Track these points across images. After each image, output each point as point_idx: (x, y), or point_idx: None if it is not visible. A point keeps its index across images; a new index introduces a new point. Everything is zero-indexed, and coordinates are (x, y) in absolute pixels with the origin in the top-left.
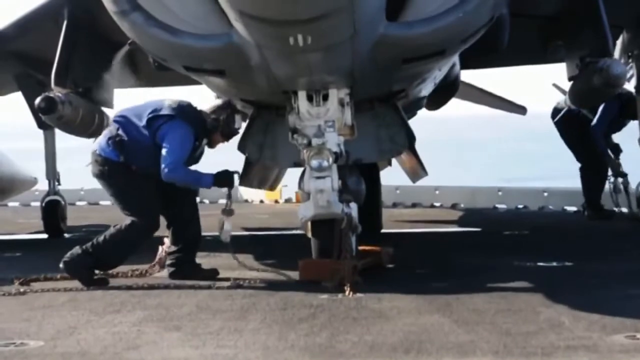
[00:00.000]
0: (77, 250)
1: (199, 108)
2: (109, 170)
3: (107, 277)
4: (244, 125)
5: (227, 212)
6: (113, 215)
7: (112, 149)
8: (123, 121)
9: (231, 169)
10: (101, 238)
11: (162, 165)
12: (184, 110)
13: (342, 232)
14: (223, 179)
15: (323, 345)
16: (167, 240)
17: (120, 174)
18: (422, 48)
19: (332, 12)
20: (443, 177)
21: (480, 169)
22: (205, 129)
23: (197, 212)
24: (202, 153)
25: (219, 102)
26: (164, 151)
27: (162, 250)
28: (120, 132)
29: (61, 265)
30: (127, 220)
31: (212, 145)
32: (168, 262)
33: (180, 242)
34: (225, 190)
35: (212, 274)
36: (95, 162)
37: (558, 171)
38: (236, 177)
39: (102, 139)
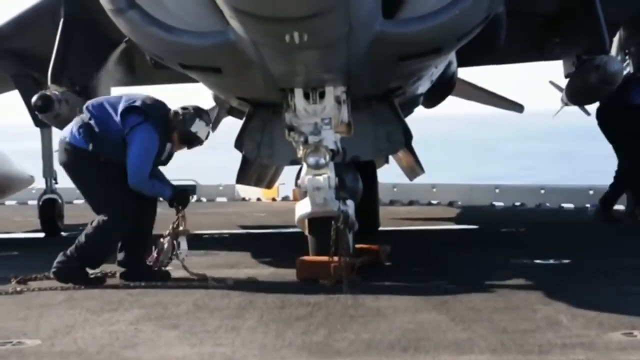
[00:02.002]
0: (61, 257)
1: (170, 109)
2: (78, 159)
3: (103, 276)
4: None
5: (182, 232)
6: None
7: (82, 137)
8: (96, 110)
9: (192, 183)
10: (82, 239)
11: (129, 173)
12: (158, 111)
13: (338, 229)
14: (179, 197)
15: (320, 344)
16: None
17: (89, 164)
18: (419, 45)
19: (328, 9)
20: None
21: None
22: (167, 129)
23: (154, 214)
24: (170, 155)
25: (190, 104)
26: (131, 158)
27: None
28: (91, 121)
29: (52, 275)
30: (100, 215)
31: (173, 147)
32: (62, 254)
33: (131, 243)
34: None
35: (164, 276)
36: (64, 150)
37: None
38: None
39: (72, 126)
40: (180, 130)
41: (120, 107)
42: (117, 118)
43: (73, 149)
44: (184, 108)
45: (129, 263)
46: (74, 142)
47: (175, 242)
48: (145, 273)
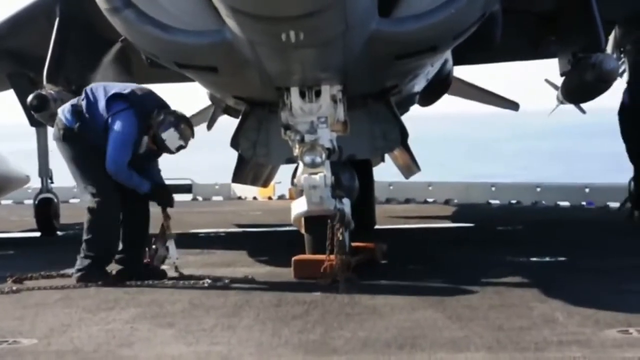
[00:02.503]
0: (79, 262)
1: (159, 105)
2: (65, 136)
3: (125, 274)
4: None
5: (169, 235)
6: None
7: (70, 116)
8: (91, 93)
9: (188, 182)
10: (85, 237)
11: (107, 159)
12: (144, 101)
13: (334, 228)
14: (159, 193)
15: (317, 342)
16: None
17: (75, 142)
18: (414, 44)
19: (323, 8)
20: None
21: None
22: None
23: (148, 212)
24: (155, 154)
25: (177, 110)
26: (110, 144)
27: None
28: (83, 102)
29: (76, 281)
30: (87, 210)
31: (141, 145)
32: (79, 259)
33: (127, 242)
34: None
35: (160, 275)
36: (56, 125)
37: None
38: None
39: (67, 104)
40: (153, 130)
41: (110, 93)
42: (104, 104)
43: (63, 126)
44: (169, 112)
45: (126, 261)
46: (64, 120)
47: (163, 247)
48: (141, 272)
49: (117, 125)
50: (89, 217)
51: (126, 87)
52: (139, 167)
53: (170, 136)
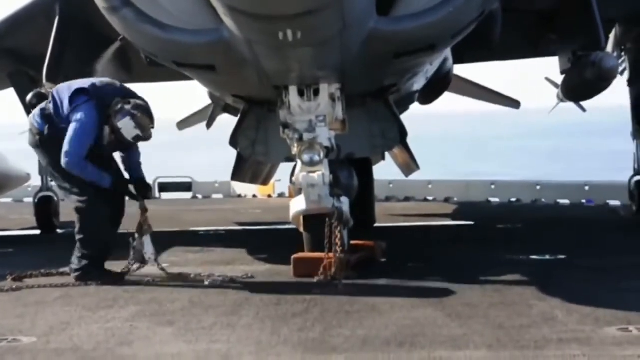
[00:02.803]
0: (75, 260)
1: (121, 95)
2: (40, 140)
3: (124, 273)
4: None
5: (145, 231)
6: None
7: (40, 120)
8: (56, 94)
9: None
10: (78, 237)
11: (63, 153)
12: (103, 93)
13: (332, 226)
14: (120, 187)
15: (316, 340)
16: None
17: (50, 146)
18: (413, 43)
19: (321, 7)
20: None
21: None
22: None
23: (122, 213)
24: (120, 146)
25: (138, 100)
26: (65, 139)
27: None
28: (50, 105)
29: (75, 281)
30: (75, 210)
31: (104, 138)
32: (75, 259)
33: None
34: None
35: (119, 277)
36: (30, 131)
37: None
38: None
39: (37, 108)
40: (111, 120)
41: (72, 90)
42: (67, 103)
43: (37, 131)
44: (127, 101)
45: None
46: (36, 125)
47: (140, 242)
48: (100, 273)
49: (75, 118)
50: (78, 217)
51: (88, 82)
52: (106, 159)
53: (125, 125)
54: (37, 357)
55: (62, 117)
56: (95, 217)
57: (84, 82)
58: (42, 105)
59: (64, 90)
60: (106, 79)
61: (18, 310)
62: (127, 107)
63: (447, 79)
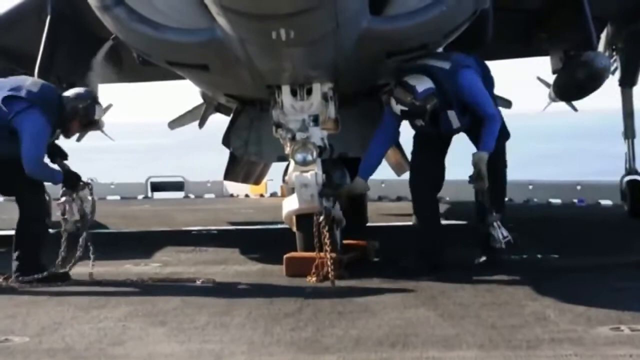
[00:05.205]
0: (15, 269)
1: (61, 93)
2: None
3: (67, 272)
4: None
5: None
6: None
7: None
8: None
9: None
10: (16, 254)
11: (26, 159)
12: (45, 97)
13: (320, 226)
14: (71, 179)
15: (309, 340)
16: None
17: None
18: (406, 42)
19: (314, 6)
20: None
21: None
22: (62, 117)
23: (43, 208)
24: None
25: (80, 90)
26: (25, 144)
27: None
28: None
29: (15, 284)
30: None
31: (68, 134)
32: (14, 266)
33: (25, 243)
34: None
35: (63, 277)
36: None
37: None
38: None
39: None
40: (82, 120)
41: (3, 94)
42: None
43: None
44: (77, 97)
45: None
46: None
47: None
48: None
49: (30, 124)
50: (19, 239)
51: (19, 83)
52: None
53: (100, 112)
54: (29, 357)
55: None
56: (36, 247)
57: (15, 83)
58: None
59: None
60: (38, 81)
61: (10, 310)
62: (86, 100)
63: None
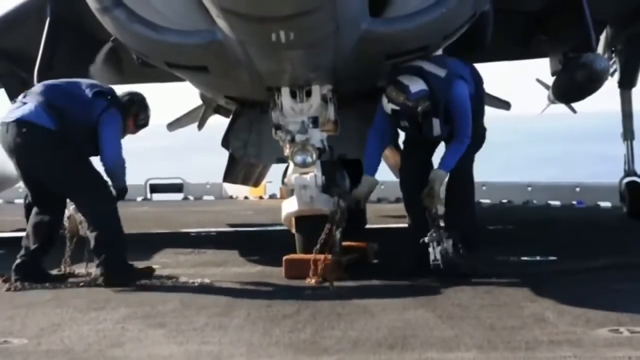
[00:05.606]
0: (100, 265)
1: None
2: (41, 139)
3: (151, 267)
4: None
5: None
6: None
7: (46, 116)
8: (57, 91)
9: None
10: (96, 240)
11: (109, 155)
12: (117, 98)
13: (332, 227)
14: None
15: (307, 341)
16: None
17: (55, 144)
18: (405, 44)
19: (314, 8)
20: None
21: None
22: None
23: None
24: None
25: (131, 90)
26: (111, 140)
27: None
28: (56, 102)
29: (102, 283)
30: (80, 207)
31: (123, 134)
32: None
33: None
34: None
35: (62, 278)
36: (19, 131)
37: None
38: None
39: (27, 105)
40: (137, 122)
41: (87, 91)
42: (88, 100)
43: (32, 125)
44: (126, 99)
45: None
46: (33, 119)
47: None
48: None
49: (113, 123)
50: (95, 223)
51: (97, 84)
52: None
53: (149, 112)
54: (28, 359)
55: (76, 115)
56: (116, 224)
57: (93, 84)
58: (39, 101)
59: (63, 88)
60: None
61: (8, 312)
62: (139, 98)
63: None
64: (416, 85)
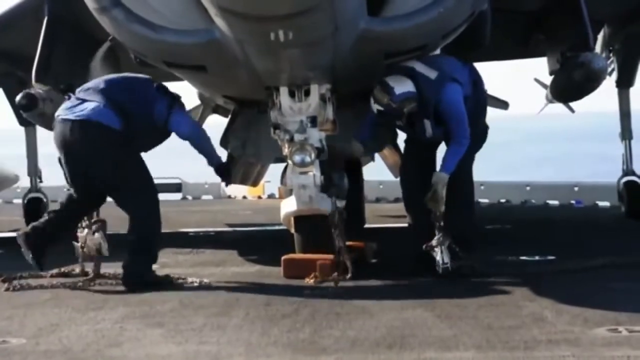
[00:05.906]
0: (130, 265)
1: None
2: (104, 138)
3: (169, 275)
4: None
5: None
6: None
7: (113, 115)
8: (117, 89)
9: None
10: (139, 235)
11: (184, 132)
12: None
13: (333, 228)
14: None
15: (306, 341)
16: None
17: (118, 144)
18: (404, 43)
19: (313, 7)
20: None
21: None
22: None
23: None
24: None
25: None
26: (181, 125)
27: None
28: (118, 100)
29: (122, 283)
30: (131, 217)
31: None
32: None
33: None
34: None
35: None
36: (83, 129)
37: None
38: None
39: (93, 104)
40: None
41: (147, 85)
42: (150, 93)
43: (100, 126)
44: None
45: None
46: (101, 120)
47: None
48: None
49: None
50: (141, 220)
51: (155, 82)
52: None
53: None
54: (27, 359)
55: (141, 113)
56: (158, 217)
57: (147, 79)
58: (102, 100)
59: (120, 86)
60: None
61: (7, 311)
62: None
63: None
64: (402, 87)
